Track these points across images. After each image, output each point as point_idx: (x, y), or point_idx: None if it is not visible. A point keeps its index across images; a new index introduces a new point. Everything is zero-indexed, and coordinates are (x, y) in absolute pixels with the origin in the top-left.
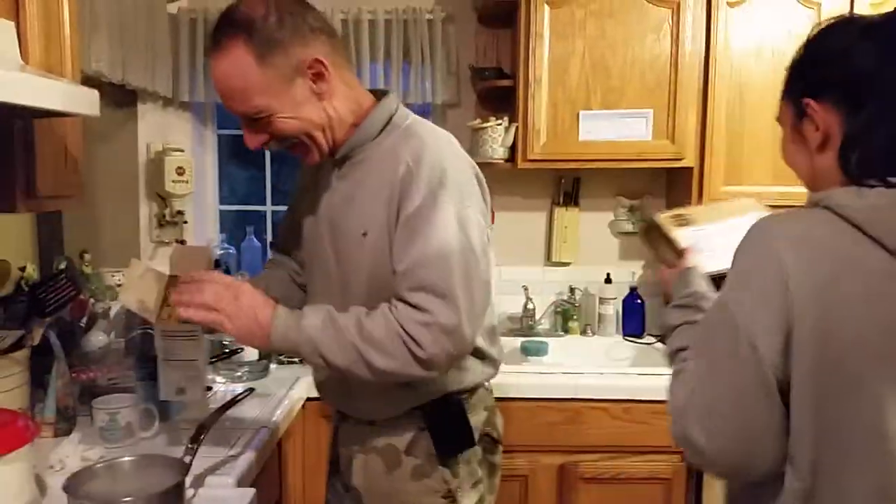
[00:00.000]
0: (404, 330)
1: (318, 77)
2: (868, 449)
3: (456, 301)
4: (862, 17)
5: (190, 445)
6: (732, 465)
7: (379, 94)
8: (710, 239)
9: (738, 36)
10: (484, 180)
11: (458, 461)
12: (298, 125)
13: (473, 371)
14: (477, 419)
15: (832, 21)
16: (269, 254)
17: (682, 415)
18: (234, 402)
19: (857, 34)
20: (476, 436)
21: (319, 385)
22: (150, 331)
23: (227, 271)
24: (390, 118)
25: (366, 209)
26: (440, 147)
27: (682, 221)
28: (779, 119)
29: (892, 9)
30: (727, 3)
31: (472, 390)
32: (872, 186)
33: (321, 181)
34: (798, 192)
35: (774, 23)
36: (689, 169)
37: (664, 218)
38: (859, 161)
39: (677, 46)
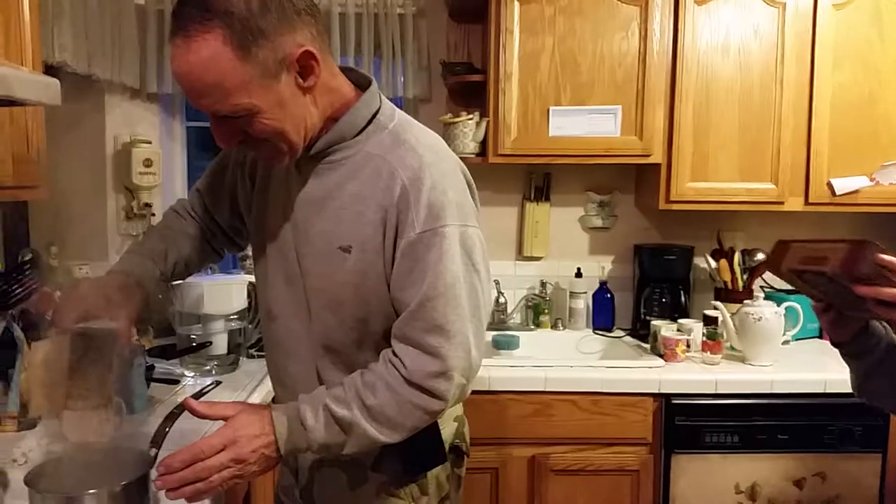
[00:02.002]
0: (420, 388)
1: (307, 70)
2: None
3: (466, 337)
4: None
5: (155, 438)
6: None
7: (357, 78)
8: None
9: (705, 34)
10: (471, 179)
11: (426, 477)
12: (280, 125)
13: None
14: (447, 432)
15: None
16: (182, 201)
17: None
18: (199, 395)
19: None
20: (446, 449)
21: None
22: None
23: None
24: (374, 115)
25: (348, 221)
26: (437, 161)
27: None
28: None
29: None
30: (694, 1)
31: None
32: None
33: (284, 172)
34: (762, 188)
35: (740, 21)
36: (657, 165)
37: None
38: None
39: (645, 44)
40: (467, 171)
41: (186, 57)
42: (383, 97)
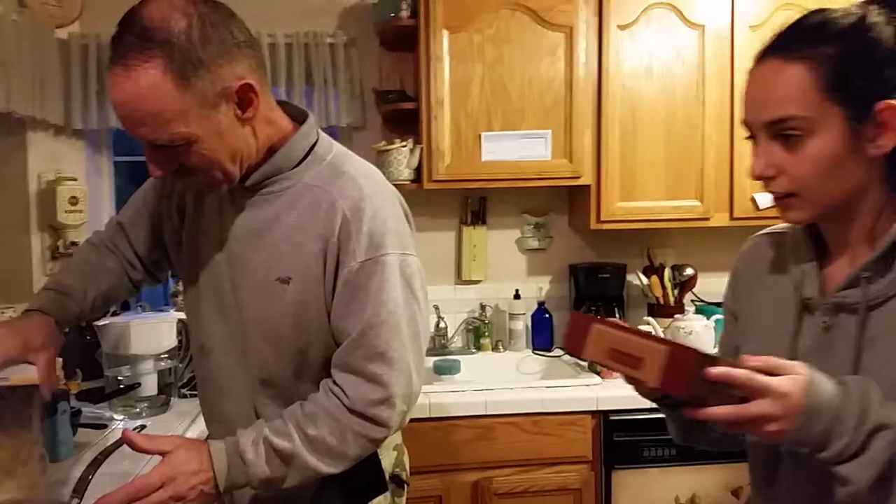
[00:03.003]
0: (362, 416)
1: (246, 102)
2: None
3: (408, 364)
4: None
5: (77, 486)
6: None
7: (293, 111)
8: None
9: (629, 58)
10: (408, 209)
11: None
12: (217, 156)
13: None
14: (387, 461)
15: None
16: (99, 234)
17: None
18: (121, 442)
19: None
20: (386, 479)
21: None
22: None
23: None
24: (312, 147)
25: (287, 253)
26: (376, 192)
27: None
28: (789, 127)
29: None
30: (617, 26)
31: None
32: None
33: (218, 203)
34: (688, 205)
35: (663, 44)
36: (588, 186)
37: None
38: None
39: (571, 69)
40: (403, 201)
41: (125, 85)
42: (320, 130)
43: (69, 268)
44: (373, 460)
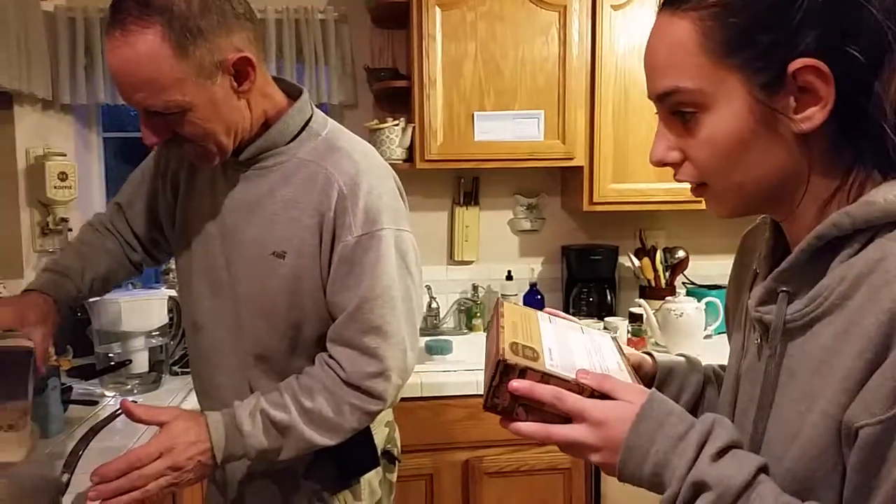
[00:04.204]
0: (358, 389)
1: (243, 75)
2: None
3: (403, 338)
4: None
5: (67, 462)
6: None
7: (288, 87)
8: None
9: (622, 38)
10: (401, 186)
11: (359, 482)
12: (211, 126)
13: None
14: (379, 437)
15: None
16: (99, 216)
17: None
18: (112, 417)
19: None
20: (378, 454)
21: None
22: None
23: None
24: (307, 123)
25: (281, 226)
26: (371, 167)
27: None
28: (679, 103)
29: None
30: (611, 6)
31: None
32: None
33: (211, 178)
34: (680, 188)
35: None
36: (580, 168)
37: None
38: None
39: (565, 49)
40: (397, 178)
41: (123, 51)
42: (314, 106)
43: (68, 249)
44: (366, 435)
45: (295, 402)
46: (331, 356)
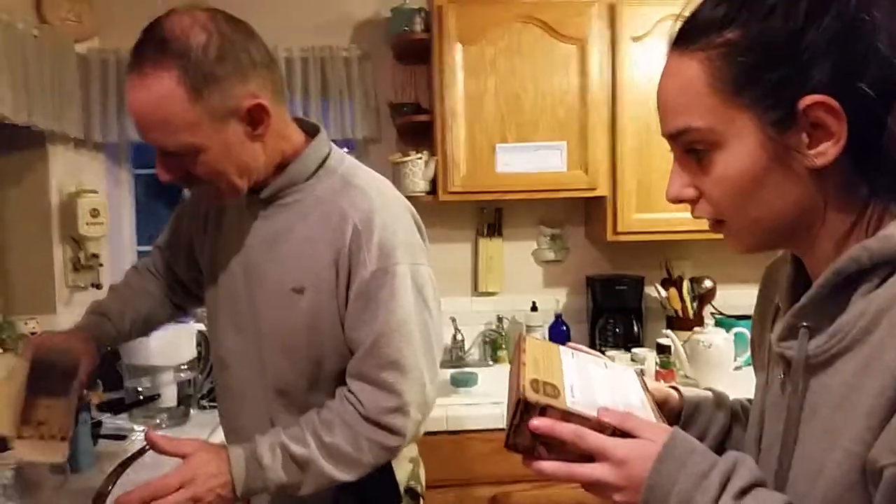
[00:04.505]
0: (377, 424)
1: (257, 121)
2: None
3: (421, 372)
4: None
5: (98, 496)
6: None
7: (306, 126)
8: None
9: (642, 69)
10: (420, 221)
11: None
12: (223, 167)
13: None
14: (402, 473)
15: None
16: (143, 260)
17: None
18: (141, 452)
19: None
20: (401, 491)
21: None
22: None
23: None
24: (324, 160)
25: (300, 263)
26: (386, 203)
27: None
28: (692, 141)
29: None
30: (631, 38)
31: None
32: None
33: (237, 215)
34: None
35: None
36: (604, 198)
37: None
38: None
39: (585, 81)
40: (415, 213)
41: (139, 92)
42: (332, 144)
43: (111, 292)
44: (387, 471)
45: (315, 437)
46: (350, 391)
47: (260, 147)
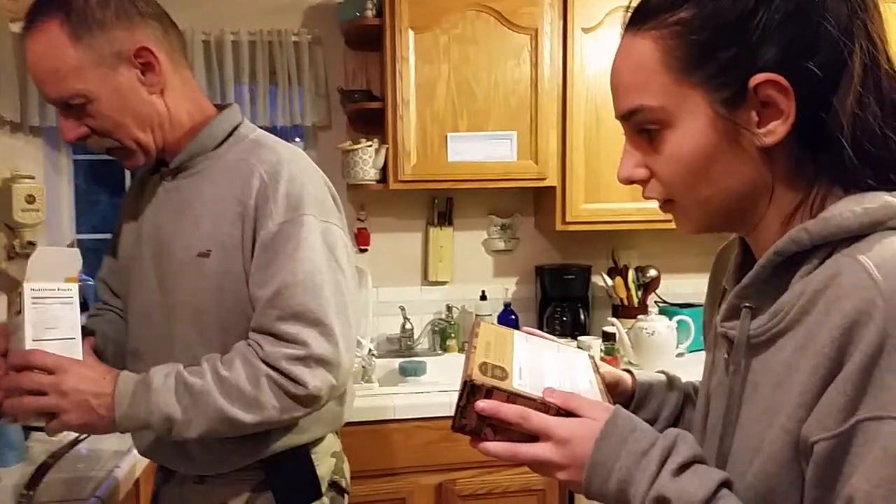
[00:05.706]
0: (277, 370)
1: (147, 67)
2: None
3: (332, 329)
4: None
5: (24, 493)
6: None
7: (223, 108)
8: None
9: (593, 60)
10: (336, 193)
11: None
12: (120, 118)
13: (325, 419)
14: (324, 468)
15: None
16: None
17: None
18: (73, 444)
19: None
20: (323, 486)
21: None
22: None
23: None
24: (235, 129)
25: (205, 227)
26: (296, 159)
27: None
28: (644, 120)
29: None
30: (581, 29)
31: (321, 437)
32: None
33: (146, 195)
34: (652, 207)
35: None
36: (553, 188)
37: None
38: (867, 156)
39: (537, 71)
40: (331, 185)
41: (30, 46)
42: (245, 118)
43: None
44: (306, 465)
45: (212, 371)
46: (252, 340)
47: (161, 102)
